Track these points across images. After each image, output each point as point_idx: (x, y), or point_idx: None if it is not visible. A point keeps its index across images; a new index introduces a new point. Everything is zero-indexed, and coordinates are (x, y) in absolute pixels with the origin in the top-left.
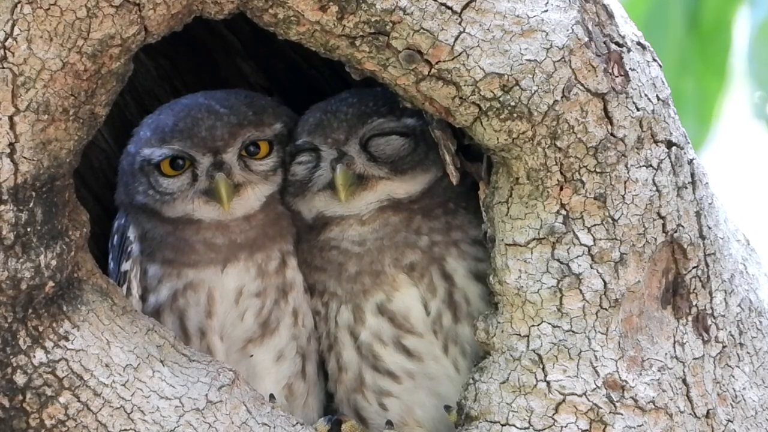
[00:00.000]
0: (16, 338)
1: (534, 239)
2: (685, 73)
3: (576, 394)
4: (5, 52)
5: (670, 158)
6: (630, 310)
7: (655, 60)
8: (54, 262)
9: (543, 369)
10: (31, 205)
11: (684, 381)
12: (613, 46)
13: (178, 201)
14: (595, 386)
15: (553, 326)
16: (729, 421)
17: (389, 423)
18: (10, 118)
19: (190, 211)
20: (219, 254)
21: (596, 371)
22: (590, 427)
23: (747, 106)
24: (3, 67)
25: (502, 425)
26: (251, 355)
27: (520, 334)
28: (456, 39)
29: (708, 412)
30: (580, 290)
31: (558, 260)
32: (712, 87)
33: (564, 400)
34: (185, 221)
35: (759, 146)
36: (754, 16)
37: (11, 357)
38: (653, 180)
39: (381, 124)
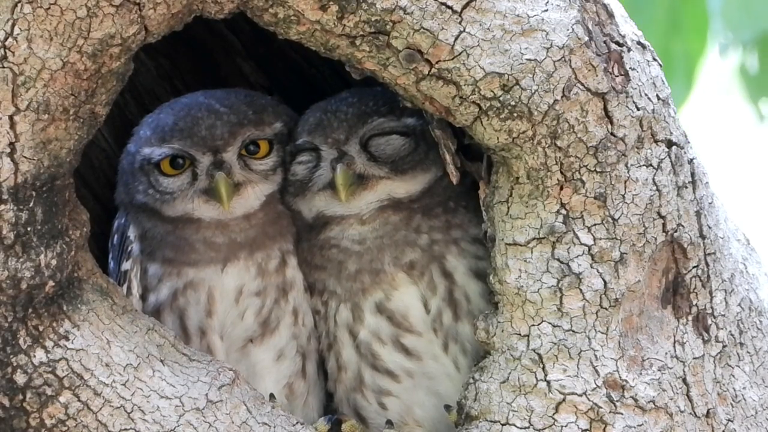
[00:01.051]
0: (16, 338)
1: (534, 239)
2: (674, 33)
3: (576, 394)
4: (5, 52)
5: (670, 158)
6: (630, 309)
7: (655, 59)
8: (54, 262)
9: (543, 368)
10: (31, 204)
11: (684, 380)
12: (614, 46)
13: (178, 200)
14: (595, 386)
15: (554, 326)
16: (729, 420)
17: (389, 422)
18: (11, 117)
19: (190, 210)
20: (219, 253)
21: (596, 371)
22: (590, 427)
23: (717, 48)
24: (3, 67)
25: (503, 425)
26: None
27: (520, 334)
28: (456, 38)
29: (708, 411)
30: (580, 290)
31: (558, 260)
32: (697, 46)
33: (564, 400)
34: (185, 220)
35: (738, 105)
36: None
37: (11, 356)
38: (653, 179)
39: (381, 123)
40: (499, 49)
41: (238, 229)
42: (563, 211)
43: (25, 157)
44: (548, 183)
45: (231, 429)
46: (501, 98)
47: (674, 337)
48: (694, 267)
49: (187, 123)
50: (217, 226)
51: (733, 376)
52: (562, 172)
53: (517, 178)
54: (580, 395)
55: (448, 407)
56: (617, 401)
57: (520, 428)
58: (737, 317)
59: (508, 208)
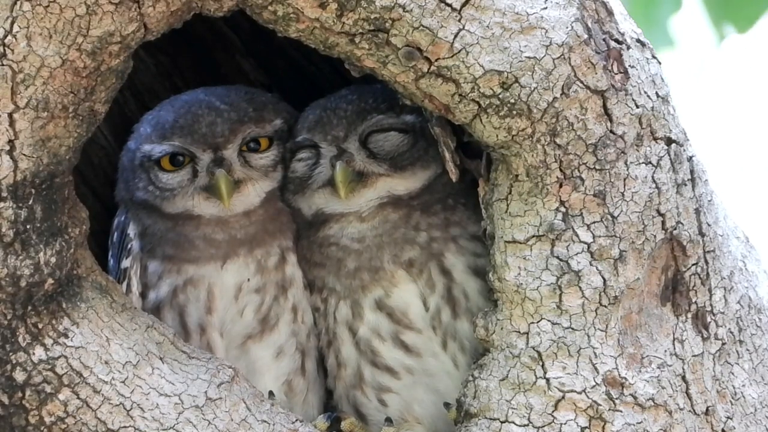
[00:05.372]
0: (15, 335)
1: (533, 236)
2: None
3: (575, 391)
4: (5, 49)
5: (669, 155)
6: (629, 307)
7: (654, 57)
8: (53, 259)
9: (542, 366)
10: (30, 202)
11: (683, 378)
12: (613, 44)
13: (178, 197)
14: (594, 383)
15: (553, 323)
16: (728, 418)
17: (388, 420)
18: (10, 115)
19: (190, 207)
20: (219, 250)
21: (596, 368)
22: (590, 424)
23: None
24: (2, 65)
25: (502, 422)
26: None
27: (519, 331)
28: (455, 36)
29: (707, 409)
30: (580, 287)
31: (557, 257)
32: None
33: (563, 397)
34: (185, 217)
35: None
36: None
37: (11, 354)
38: (653, 177)
39: (380, 120)
40: (499, 47)
41: (238, 226)
42: (562, 209)
43: (24, 154)
44: (547, 181)
45: (230, 426)
46: (500, 96)
47: (673, 334)
48: (693, 265)
49: (187, 120)
50: (217, 222)
51: (733, 373)
52: (561, 170)
53: (517, 175)
54: (580, 393)
55: (447, 405)
56: (616, 399)
57: (520, 426)
58: (736, 315)
59: (508, 205)
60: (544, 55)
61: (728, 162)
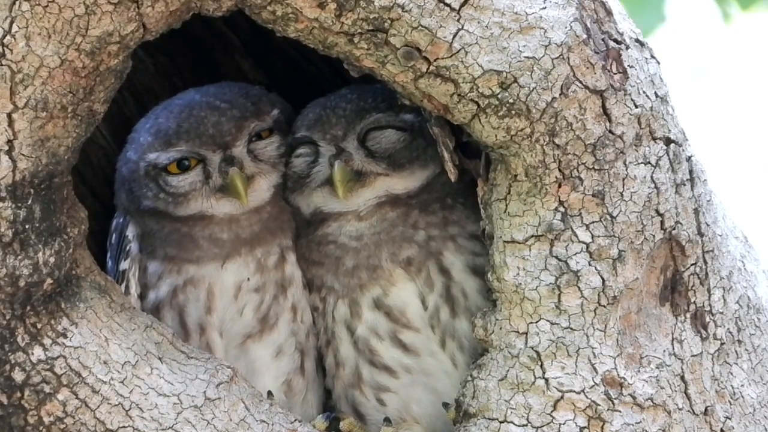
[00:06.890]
0: (14, 335)
1: (532, 236)
2: None
3: (574, 391)
4: (4, 49)
5: (668, 155)
6: (628, 307)
7: (653, 57)
8: (52, 260)
9: (541, 366)
10: (29, 202)
11: (682, 378)
12: (612, 43)
13: (191, 200)
14: (593, 383)
15: (552, 323)
16: (727, 418)
17: (387, 419)
18: (9, 115)
19: (206, 209)
20: (222, 249)
21: (594, 368)
22: (588, 424)
23: None
24: (1, 64)
25: (501, 422)
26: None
27: (518, 331)
28: (454, 36)
29: (706, 409)
30: (579, 287)
31: (556, 257)
32: None
33: (562, 397)
34: (197, 218)
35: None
36: None
37: (9, 354)
38: (652, 177)
39: (379, 119)
40: (498, 47)
41: (246, 224)
42: (561, 209)
43: (23, 154)
44: (546, 181)
45: (229, 426)
46: (499, 96)
47: (672, 334)
48: (692, 264)
49: (191, 124)
50: (228, 221)
51: (731, 373)
52: (560, 170)
53: (516, 175)
54: (578, 393)
55: (446, 405)
56: (615, 399)
57: (518, 426)
58: (735, 315)
59: (507, 205)
60: (543, 55)
61: (728, 161)
